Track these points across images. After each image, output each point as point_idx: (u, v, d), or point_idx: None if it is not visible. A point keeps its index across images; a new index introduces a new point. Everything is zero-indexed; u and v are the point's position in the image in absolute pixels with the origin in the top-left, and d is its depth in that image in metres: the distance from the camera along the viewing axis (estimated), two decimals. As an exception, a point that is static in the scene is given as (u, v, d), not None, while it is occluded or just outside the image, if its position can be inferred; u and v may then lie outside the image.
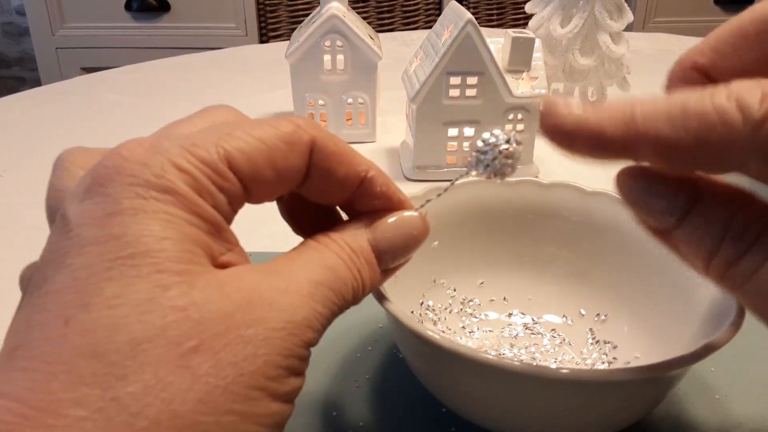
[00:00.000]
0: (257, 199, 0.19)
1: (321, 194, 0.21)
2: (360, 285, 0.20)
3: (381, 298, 0.25)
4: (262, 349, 0.16)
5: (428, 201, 0.23)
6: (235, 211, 0.19)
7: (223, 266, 0.18)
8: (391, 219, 0.22)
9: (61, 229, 0.16)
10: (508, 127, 0.53)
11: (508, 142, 0.22)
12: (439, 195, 0.24)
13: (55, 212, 0.20)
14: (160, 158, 0.17)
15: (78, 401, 0.14)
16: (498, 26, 1.77)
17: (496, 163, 0.22)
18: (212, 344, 0.16)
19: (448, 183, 0.25)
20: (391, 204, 0.22)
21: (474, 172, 0.22)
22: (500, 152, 0.22)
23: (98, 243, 0.16)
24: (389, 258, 0.22)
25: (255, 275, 0.18)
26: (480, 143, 0.22)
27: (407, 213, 0.22)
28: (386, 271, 0.22)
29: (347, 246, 0.20)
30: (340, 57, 0.59)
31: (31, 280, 0.17)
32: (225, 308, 0.16)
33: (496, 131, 0.22)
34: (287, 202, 0.23)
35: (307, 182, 0.20)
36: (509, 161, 0.22)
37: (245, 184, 0.18)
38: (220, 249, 0.18)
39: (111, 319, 0.15)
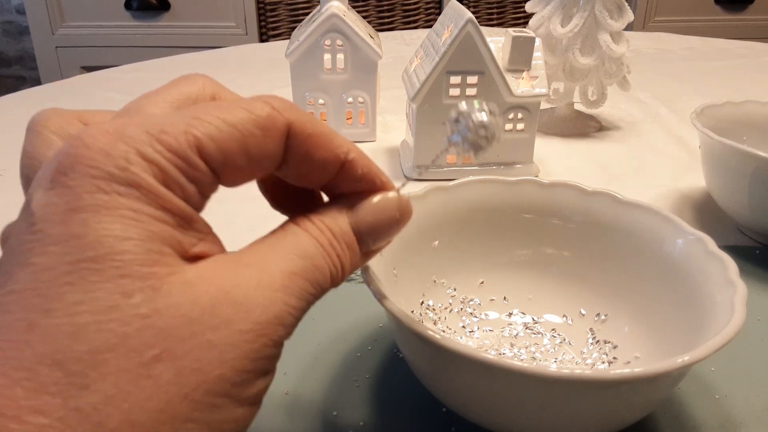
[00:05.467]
0: (230, 185, 0.19)
1: (300, 177, 0.20)
2: (339, 270, 0.20)
3: (381, 297, 0.25)
4: (228, 353, 0.16)
5: (408, 181, 0.23)
6: (206, 198, 0.18)
7: (195, 258, 0.17)
8: (374, 201, 0.21)
9: (25, 221, 0.16)
10: (508, 125, 0.53)
11: (482, 112, 0.21)
12: (420, 174, 0.24)
13: (30, 182, 0.19)
14: (124, 147, 0.16)
15: (40, 409, 0.14)
16: (498, 25, 1.77)
17: (469, 134, 0.21)
18: (175, 351, 0.15)
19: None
20: (373, 186, 0.21)
21: (452, 147, 0.22)
22: (473, 122, 0.21)
23: (60, 242, 0.15)
24: (371, 240, 0.21)
25: (226, 270, 0.17)
26: (453, 113, 0.21)
27: (390, 194, 0.21)
28: (367, 253, 0.21)
29: (327, 230, 0.20)
30: (340, 56, 0.59)
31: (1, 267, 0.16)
32: (190, 313, 0.16)
33: (473, 102, 0.21)
34: (266, 180, 0.22)
35: (285, 166, 0.19)
36: (483, 132, 0.21)
37: (217, 172, 0.17)
38: (191, 241, 0.17)
39: (72, 327, 0.15)
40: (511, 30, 0.52)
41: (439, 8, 1.76)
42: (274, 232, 0.20)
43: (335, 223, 0.20)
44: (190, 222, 0.17)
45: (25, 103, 0.74)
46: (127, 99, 0.20)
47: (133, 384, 0.15)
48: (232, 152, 0.17)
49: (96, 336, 0.15)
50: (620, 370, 0.21)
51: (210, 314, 0.16)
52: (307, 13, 0.61)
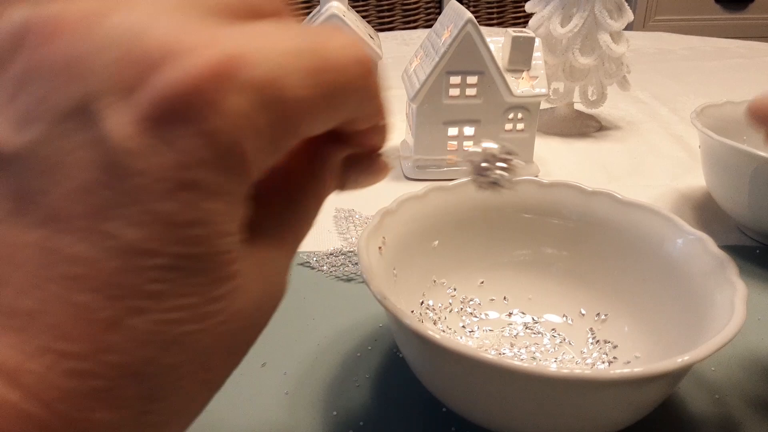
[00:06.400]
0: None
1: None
2: None
3: (381, 297, 0.25)
4: (247, 350, 0.17)
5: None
6: None
7: None
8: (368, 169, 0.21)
9: (90, 146, 0.12)
10: (508, 125, 0.53)
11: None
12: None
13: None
14: (247, 107, 0.13)
15: (112, 424, 0.13)
16: (498, 25, 1.77)
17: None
18: (229, 359, 0.16)
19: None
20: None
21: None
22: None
23: (163, 223, 0.13)
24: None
25: (264, 265, 0.17)
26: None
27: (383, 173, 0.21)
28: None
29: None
30: (340, 56, 0.59)
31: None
32: (250, 317, 0.16)
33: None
34: None
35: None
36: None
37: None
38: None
39: (165, 336, 0.13)
40: (511, 30, 0.52)
41: (439, 8, 1.76)
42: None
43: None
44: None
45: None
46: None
47: (198, 394, 0.15)
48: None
49: (182, 348, 0.14)
50: (620, 370, 0.21)
51: (257, 318, 0.16)
52: (307, 13, 0.61)
